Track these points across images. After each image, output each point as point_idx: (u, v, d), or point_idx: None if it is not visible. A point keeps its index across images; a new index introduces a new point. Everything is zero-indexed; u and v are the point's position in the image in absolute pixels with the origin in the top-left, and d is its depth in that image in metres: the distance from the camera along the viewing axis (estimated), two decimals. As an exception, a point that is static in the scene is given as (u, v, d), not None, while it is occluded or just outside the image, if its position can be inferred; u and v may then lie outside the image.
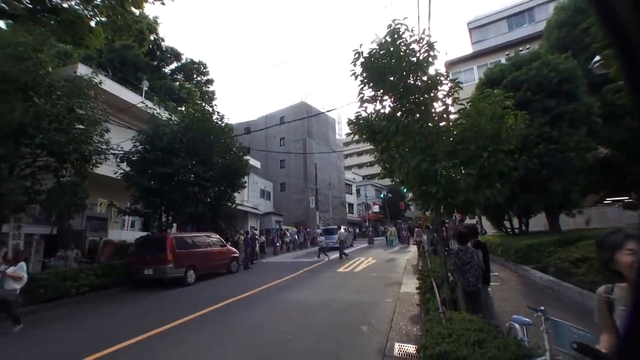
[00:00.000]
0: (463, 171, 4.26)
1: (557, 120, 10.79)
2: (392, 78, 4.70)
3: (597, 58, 6.59)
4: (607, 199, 17.81)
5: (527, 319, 3.65)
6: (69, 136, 9.54)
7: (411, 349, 4.96)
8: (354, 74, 5.05)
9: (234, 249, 15.32)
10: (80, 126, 10.18)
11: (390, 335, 5.60)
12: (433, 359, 2.74)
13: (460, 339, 2.83)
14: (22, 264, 7.32)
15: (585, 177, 11.14)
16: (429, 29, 4.67)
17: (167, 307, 8.69)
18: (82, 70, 12.93)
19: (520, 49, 13.53)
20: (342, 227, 27.78)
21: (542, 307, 3.31)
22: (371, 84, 4.94)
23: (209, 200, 15.47)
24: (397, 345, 5.14)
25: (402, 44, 4.62)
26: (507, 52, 16.13)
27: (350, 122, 5.54)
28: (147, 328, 6.41)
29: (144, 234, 14.81)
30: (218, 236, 14.67)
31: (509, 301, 7.26)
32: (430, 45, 4.60)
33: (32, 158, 9.75)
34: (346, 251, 19.77)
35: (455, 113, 4.84)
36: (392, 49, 4.60)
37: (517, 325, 3.73)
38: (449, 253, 5.78)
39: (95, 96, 11.01)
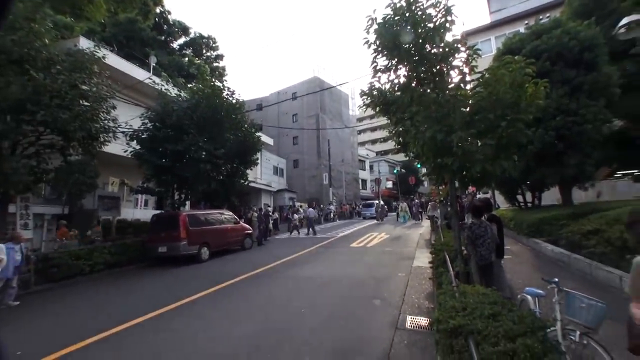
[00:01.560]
0: (479, 142, 4.11)
1: (576, 92, 10.41)
2: (406, 45, 4.48)
3: (625, 21, 6.10)
4: (618, 172, 17.49)
5: (540, 291, 3.65)
6: (73, 113, 9.39)
7: (423, 321, 5.00)
8: (367, 42, 4.83)
9: (247, 226, 15.48)
10: (85, 103, 10.04)
11: (403, 309, 5.65)
12: (447, 333, 2.72)
13: (475, 312, 2.78)
14: (1, 246, 7.01)
15: (600, 150, 10.86)
16: (446, -8, 4.37)
17: (181, 283, 8.86)
18: (84, 44, 12.65)
19: (541, 17, 12.86)
20: (377, 202, 32.69)
21: (556, 279, 3.29)
22: (385, 52, 4.73)
23: (221, 177, 15.53)
24: (409, 318, 5.19)
25: (418, 8, 4.38)
26: (526, 21, 15.41)
27: (363, 94, 5.36)
28: (161, 304, 6.55)
29: (158, 212, 15.00)
30: (231, 213, 14.81)
31: (520, 274, 7.27)
32: (448, 10, 4.34)
33: (35, 136, 9.66)
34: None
35: (472, 81, 4.64)
36: (407, 14, 4.36)
37: (529, 297, 3.75)
38: (463, 227, 5.71)
39: (100, 72, 10.86)
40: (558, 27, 11.11)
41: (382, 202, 34.19)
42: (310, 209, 22.49)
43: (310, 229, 20.15)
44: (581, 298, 2.99)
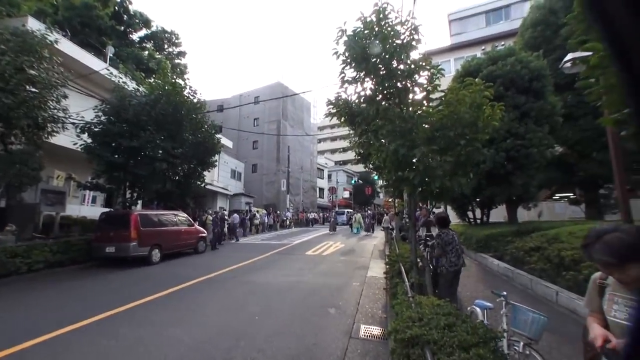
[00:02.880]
0: (439, 158, 4.30)
1: (525, 117, 11.23)
2: (374, 59, 4.61)
3: (569, 56, 6.67)
4: (556, 195, 19.10)
5: (488, 304, 3.81)
6: (18, 99, 8.73)
7: (376, 330, 5.08)
8: (336, 52, 4.90)
9: (201, 229, 14.99)
10: (33, 89, 9.36)
11: (357, 318, 5.71)
12: (403, 342, 2.77)
13: (430, 322, 2.86)
14: None
15: (543, 173, 11.79)
16: (413, 12, 4.56)
17: (130, 286, 8.35)
18: (34, 25, 11.77)
19: (496, 44, 13.84)
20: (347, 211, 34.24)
21: (504, 292, 3.49)
22: (353, 65, 4.82)
23: (177, 177, 15.01)
24: (363, 327, 5.25)
25: (387, 24, 4.53)
26: (483, 47, 16.46)
27: (329, 103, 5.42)
28: (106, 307, 6.15)
29: (106, 210, 14.17)
30: (185, 215, 14.30)
31: (468, 287, 7.59)
32: (415, 29, 4.52)
33: None
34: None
35: (435, 100, 4.85)
36: (376, 28, 4.50)
37: (478, 309, 3.89)
38: (420, 239, 5.91)
39: (51, 57, 10.14)
40: (512, 55, 11.94)
41: (335, 211, 34.47)
42: (235, 215, 21.73)
43: (234, 236, 20.04)
44: (526, 311, 3.18)
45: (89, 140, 12.29)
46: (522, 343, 3.09)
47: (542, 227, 9.52)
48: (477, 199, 13.57)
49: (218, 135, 16.94)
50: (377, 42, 4.56)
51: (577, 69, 6.76)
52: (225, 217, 19.57)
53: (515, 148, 10.87)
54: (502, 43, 15.00)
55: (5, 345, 4.45)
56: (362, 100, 5.14)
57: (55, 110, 10.46)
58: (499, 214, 14.77)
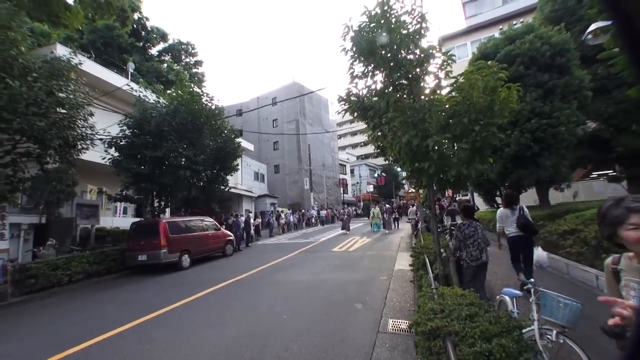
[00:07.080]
0: (455, 146, 4.19)
1: (549, 95, 10.75)
2: (382, 52, 4.55)
3: (592, 27, 6.34)
4: (593, 173, 18.11)
5: (517, 292, 3.71)
6: (50, 121, 9.22)
7: (404, 324, 5.03)
8: (344, 49, 4.88)
9: (228, 232, 15.31)
10: (62, 110, 9.86)
11: (385, 312, 5.68)
12: (425, 335, 2.74)
13: (452, 314, 2.82)
14: None
15: (574, 152, 11.22)
16: (421, 0, 4.47)
17: (162, 291, 8.67)
18: (61, 51, 12.43)
19: (515, 22, 13.26)
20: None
21: (532, 280, 3.38)
22: (361, 59, 4.79)
23: (201, 183, 15.37)
24: (390, 321, 5.22)
25: (393, 16, 4.46)
26: (501, 27, 15.84)
27: (340, 100, 5.40)
28: (141, 313, 6.41)
29: (137, 220, 14.70)
30: (212, 220, 14.64)
31: (499, 275, 7.39)
32: (422, 17, 4.43)
33: (11, 144, 9.41)
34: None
35: (447, 86, 4.73)
36: (382, 21, 4.43)
37: (507, 298, 3.79)
38: (453, 227, 5.76)
39: (77, 78, 10.69)
40: (531, 32, 11.46)
41: (348, 209, 33.08)
42: (242, 217, 18.52)
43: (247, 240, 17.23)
44: (557, 298, 3.05)
45: (116, 154, 12.80)
46: (554, 331, 2.97)
47: (577, 208, 9.12)
48: (505, 184, 13.14)
49: (238, 139, 17.21)
50: (384, 34, 4.50)
51: (600, 39, 6.41)
52: (251, 220, 19.83)
53: (541, 128, 10.41)
54: (521, 20, 14.35)
55: (52, 353, 4.76)
56: (373, 94, 5.09)
57: (84, 129, 10.97)
58: (529, 197, 14.23)
